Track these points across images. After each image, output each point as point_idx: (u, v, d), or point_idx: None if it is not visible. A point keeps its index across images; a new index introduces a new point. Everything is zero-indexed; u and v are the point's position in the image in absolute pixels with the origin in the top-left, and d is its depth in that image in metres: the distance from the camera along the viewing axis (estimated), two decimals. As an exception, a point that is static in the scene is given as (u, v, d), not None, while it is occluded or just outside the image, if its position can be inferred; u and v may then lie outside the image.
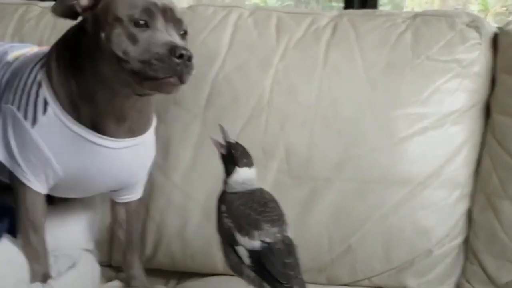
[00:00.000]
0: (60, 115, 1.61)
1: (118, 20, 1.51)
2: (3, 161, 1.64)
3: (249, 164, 1.47)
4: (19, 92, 1.65)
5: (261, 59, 1.98)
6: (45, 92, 1.62)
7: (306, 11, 2.32)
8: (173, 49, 1.47)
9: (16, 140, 1.62)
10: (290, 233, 1.42)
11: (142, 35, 1.50)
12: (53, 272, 1.71)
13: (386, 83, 1.92)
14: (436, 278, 1.85)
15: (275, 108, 1.94)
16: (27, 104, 1.62)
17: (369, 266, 1.85)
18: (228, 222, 1.42)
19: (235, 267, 1.42)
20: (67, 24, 2.10)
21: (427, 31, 1.95)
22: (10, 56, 1.80)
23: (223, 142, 1.48)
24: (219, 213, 1.45)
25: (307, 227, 1.86)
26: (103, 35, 1.52)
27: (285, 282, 1.35)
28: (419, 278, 1.84)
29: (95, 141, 1.63)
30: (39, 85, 1.63)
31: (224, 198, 1.46)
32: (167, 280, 1.99)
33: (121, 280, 1.88)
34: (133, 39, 1.50)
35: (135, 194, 1.83)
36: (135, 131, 1.68)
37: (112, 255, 2.00)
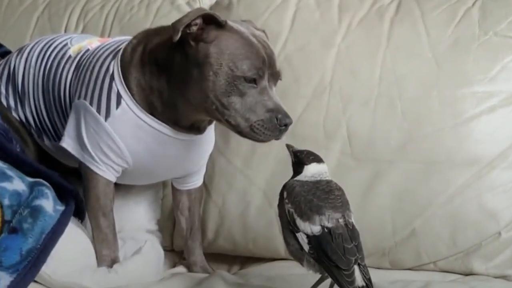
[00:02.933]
0: (135, 108, 1.67)
1: (231, 70, 1.56)
2: (74, 154, 1.72)
3: (318, 160, 1.51)
4: (91, 86, 1.71)
5: (323, 39, 1.99)
6: (118, 85, 1.68)
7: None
8: (279, 119, 1.56)
9: (89, 133, 1.69)
10: (354, 219, 1.43)
11: (250, 91, 1.57)
12: (120, 256, 1.77)
13: (452, 61, 1.90)
14: (505, 262, 1.82)
15: (337, 89, 1.94)
16: (99, 98, 1.69)
17: (434, 250, 1.84)
18: (289, 207, 1.44)
19: (296, 253, 1.45)
20: (130, 13, 2.17)
21: (495, 6, 1.93)
22: (71, 51, 1.85)
23: (292, 153, 1.53)
24: (281, 199, 1.48)
25: (369, 210, 1.86)
26: (211, 76, 1.57)
27: (345, 268, 1.35)
28: (486, 262, 1.82)
29: (168, 134, 1.69)
30: (112, 78, 1.69)
31: (286, 184, 1.49)
32: (230, 265, 2.02)
33: (185, 266, 1.95)
34: (241, 93, 1.56)
35: (197, 181, 1.90)
36: (201, 130, 1.75)
37: (174, 240, 2.05)
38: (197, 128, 1.72)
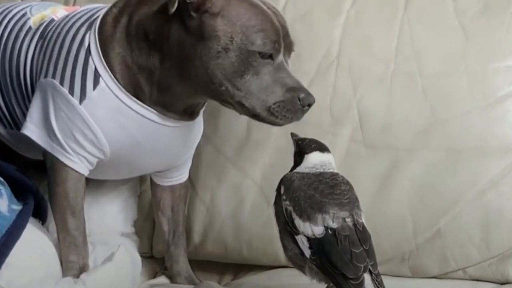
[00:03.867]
0: (116, 89, 1.59)
1: (244, 44, 1.48)
2: (39, 142, 1.63)
3: (321, 148, 1.43)
4: (61, 62, 1.62)
5: (329, 5, 1.91)
6: (96, 62, 1.60)
7: None
8: (302, 99, 1.49)
9: (59, 118, 1.60)
10: (364, 219, 1.35)
11: (266, 69, 1.50)
12: (90, 264, 1.69)
13: (481, 31, 1.82)
14: (548, 268, 1.74)
15: (345, 64, 1.86)
16: (72, 76, 1.59)
17: (463, 254, 1.75)
18: (287, 205, 1.36)
19: (295, 259, 1.37)
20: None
21: (532, -35, 1.84)
22: (31, 21, 1.77)
23: (294, 142, 1.49)
24: (278, 194, 1.41)
25: (386, 208, 1.78)
26: (220, 53, 1.48)
27: (352, 277, 1.27)
28: (525, 268, 1.74)
29: (155, 120, 1.62)
30: (88, 53, 1.60)
31: (284, 177, 1.42)
32: (221, 275, 1.96)
33: (167, 276, 1.89)
34: (255, 71, 1.50)
35: (182, 176, 1.83)
36: (194, 115, 1.71)
37: (154, 245, 1.98)
38: (190, 113, 1.67)
